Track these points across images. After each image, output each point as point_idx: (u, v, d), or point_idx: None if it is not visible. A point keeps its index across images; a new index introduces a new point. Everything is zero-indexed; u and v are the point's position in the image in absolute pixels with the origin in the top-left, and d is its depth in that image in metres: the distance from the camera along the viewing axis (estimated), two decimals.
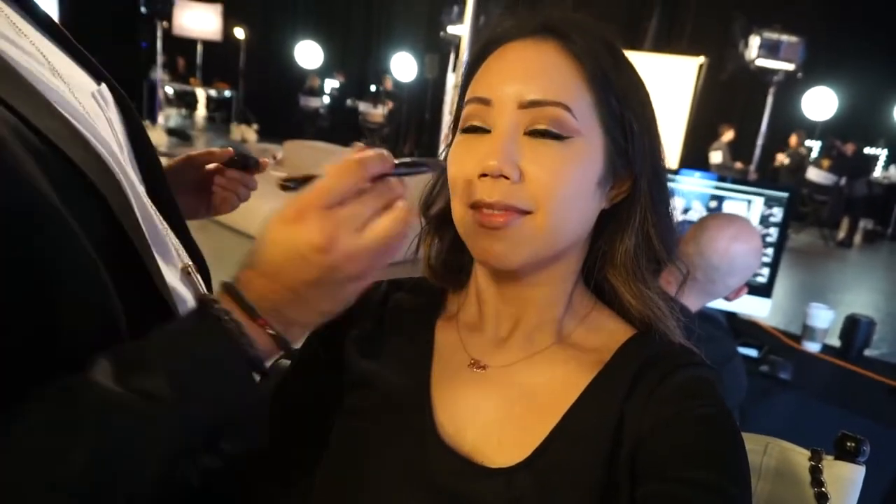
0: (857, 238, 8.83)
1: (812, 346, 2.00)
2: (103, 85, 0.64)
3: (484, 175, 0.55)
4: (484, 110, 0.57)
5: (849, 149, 8.75)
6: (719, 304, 1.72)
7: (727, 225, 1.39)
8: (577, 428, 0.56)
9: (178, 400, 0.43)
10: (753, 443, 0.65)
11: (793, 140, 8.78)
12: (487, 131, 0.57)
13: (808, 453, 0.62)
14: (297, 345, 0.52)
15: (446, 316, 0.68)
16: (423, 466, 0.57)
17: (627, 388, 0.57)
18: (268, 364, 0.50)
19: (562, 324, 0.63)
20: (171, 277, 0.59)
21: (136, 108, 0.70)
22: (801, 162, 8.72)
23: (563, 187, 0.55)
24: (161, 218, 0.62)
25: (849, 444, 0.60)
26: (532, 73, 0.56)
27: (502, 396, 0.60)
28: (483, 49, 0.60)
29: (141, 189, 0.61)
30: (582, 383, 0.59)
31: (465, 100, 0.59)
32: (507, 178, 0.54)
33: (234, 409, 0.47)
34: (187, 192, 0.85)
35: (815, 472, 0.59)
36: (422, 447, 0.58)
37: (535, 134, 0.55)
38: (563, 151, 0.55)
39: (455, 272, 0.69)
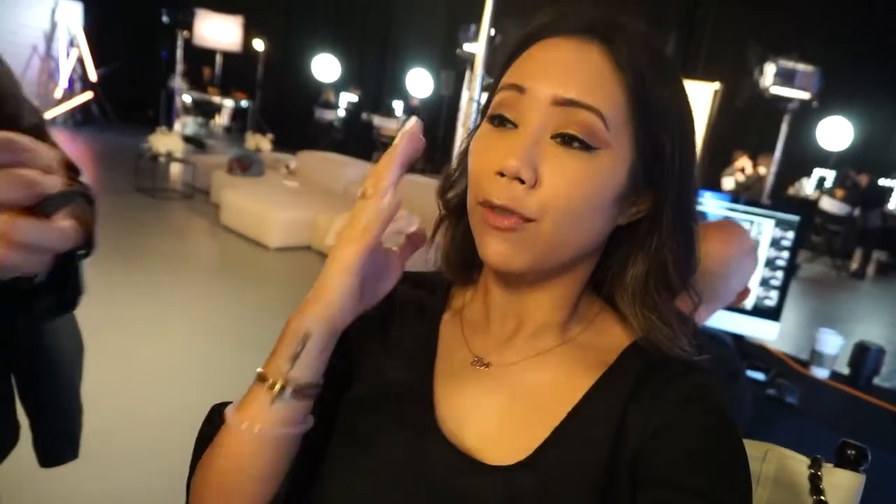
0: (870, 270, 8.74)
1: (820, 373, 1.97)
2: None
3: (501, 174, 0.53)
4: (517, 99, 0.55)
5: (863, 180, 8.70)
6: (725, 322, 1.70)
7: (715, 230, 1.38)
8: (579, 429, 0.56)
9: None
10: (753, 449, 0.64)
11: (742, 160, 8.83)
12: (514, 126, 0.55)
13: (807, 461, 0.61)
14: None
15: (451, 311, 0.68)
16: (423, 460, 0.57)
17: (631, 391, 0.56)
18: None
19: (567, 326, 0.62)
20: None
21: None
22: (759, 183, 8.55)
23: (576, 203, 0.53)
24: None
25: (850, 451, 0.59)
26: (572, 72, 0.54)
27: (504, 395, 0.60)
28: (525, 39, 0.58)
29: None
30: (585, 384, 0.58)
31: (499, 86, 0.57)
32: (522, 181, 0.52)
33: None
34: None
35: (815, 480, 0.57)
36: (422, 441, 0.58)
37: (562, 139, 0.53)
38: (587, 165, 0.53)
39: (468, 267, 0.68)
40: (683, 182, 0.57)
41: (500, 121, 0.56)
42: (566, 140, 0.53)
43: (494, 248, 0.55)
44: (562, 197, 0.53)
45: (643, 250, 0.58)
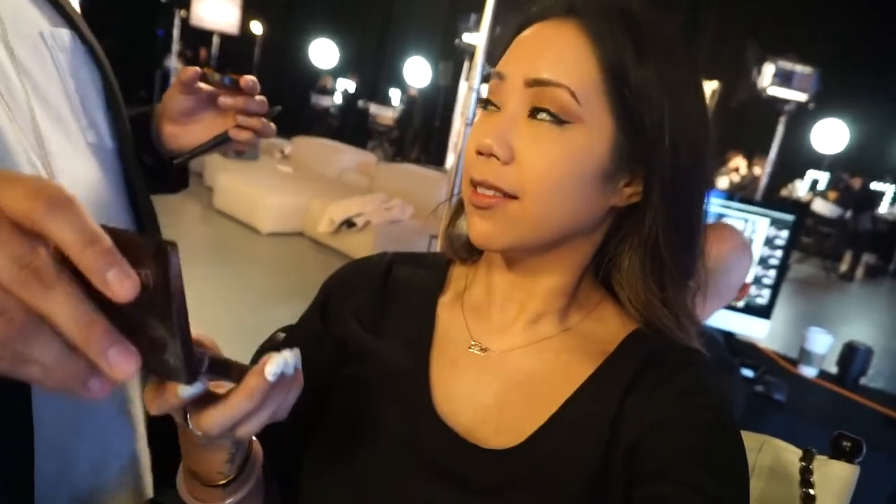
0: (860, 272, 8.81)
1: (808, 371, 1.99)
2: (65, 30, 0.65)
3: (480, 153, 0.55)
4: (499, 86, 0.57)
5: (856, 183, 8.76)
6: (716, 319, 1.71)
7: (709, 231, 1.41)
8: (575, 417, 0.56)
9: None
10: (749, 441, 0.64)
11: (736, 160, 8.89)
12: (498, 109, 0.57)
13: (800, 452, 0.61)
14: None
15: (450, 294, 0.68)
16: (419, 441, 0.57)
17: (629, 382, 0.56)
18: None
19: (566, 313, 0.62)
20: None
21: (147, 94, 0.72)
22: (753, 184, 8.54)
23: (553, 176, 0.53)
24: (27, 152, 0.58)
25: (844, 443, 0.59)
26: (543, 52, 0.55)
27: (502, 381, 0.60)
28: (516, 28, 0.60)
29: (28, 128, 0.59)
30: (584, 373, 0.58)
31: (490, 75, 0.59)
32: (498, 157, 0.54)
33: None
34: (173, 121, 0.82)
35: (805, 473, 0.58)
36: (418, 422, 0.58)
37: (534, 115, 0.54)
38: (559, 138, 0.53)
39: (470, 249, 0.68)
40: (677, 161, 0.55)
41: (486, 105, 0.58)
42: (538, 113, 0.54)
43: (478, 228, 0.56)
44: (539, 172, 0.53)
45: (639, 233, 0.58)
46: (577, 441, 0.55)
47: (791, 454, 0.62)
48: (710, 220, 1.90)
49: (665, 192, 0.56)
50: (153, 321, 0.34)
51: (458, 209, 0.68)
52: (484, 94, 0.60)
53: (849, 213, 8.65)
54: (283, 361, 0.40)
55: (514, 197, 0.54)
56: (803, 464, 0.59)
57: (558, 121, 0.53)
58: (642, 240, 0.57)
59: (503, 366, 0.61)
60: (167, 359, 0.36)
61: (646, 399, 0.55)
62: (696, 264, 0.59)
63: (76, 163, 0.63)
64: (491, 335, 0.63)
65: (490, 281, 0.64)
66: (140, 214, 0.70)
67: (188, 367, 0.36)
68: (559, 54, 0.54)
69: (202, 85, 0.79)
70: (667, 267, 0.57)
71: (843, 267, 8.63)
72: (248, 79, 0.77)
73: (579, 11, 0.55)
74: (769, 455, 0.62)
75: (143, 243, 0.32)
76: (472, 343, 0.63)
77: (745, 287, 1.45)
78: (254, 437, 0.57)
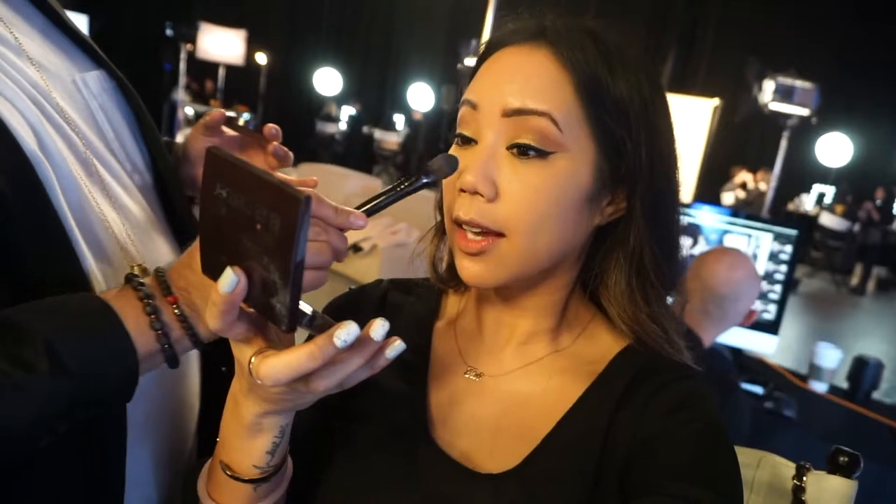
0: (870, 285, 8.73)
1: (819, 386, 1.97)
2: (94, 72, 0.66)
3: (463, 191, 0.55)
4: (472, 115, 0.56)
5: (878, 195, 8.77)
6: (723, 336, 1.71)
7: (722, 256, 1.49)
8: (568, 438, 0.56)
9: (50, 372, 0.44)
10: (747, 457, 0.64)
11: (742, 175, 8.87)
12: (475, 142, 0.56)
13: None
14: (202, 337, 0.53)
15: (444, 320, 0.69)
16: (416, 468, 0.58)
17: (619, 399, 0.57)
18: (179, 349, 0.51)
19: (558, 333, 0.63)
20: (99, 275, 0.58)
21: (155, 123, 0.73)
22: (759, 199, 8.47)
23: (539, 209, 0.53)
24: (105, 218, 0.60)
25: (842, 458, 0.59)
26: (518, 80, 0.54)
27: (496, 405, 0.60)
28: (483, 53, 0.59)
29: (93, 178, 0.60)
30: (575, 394, 0.59)
31: (460, 102, 0.58)
32: (482, 195, 0.53)
33: (104, 388, 0.48)
34: (193, 164, 0.79)
35: (797, 491, 0.57)
36: (415, 450, 0.59)
37: (516, 149, 0.54)
38: (544, 171, 0.53)
39: (457, 276, 0.68)
40: (655, 176, 0.56)
41: (461, 139, 0.57)
42: (521, 150, 0.53)
43: (469, 270, 0.56)
44: (524, 207, 0.53)
45: (623, 250, 0.58)
46: (570, 461, 0.55)
47: (789, 469, 0.62)
48: (716, 238, 1.92)
49: (647, 208, 0.57)
50: (271, 266, 0.37)
51: (440, 236, 0.68)
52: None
53: (857, 226, 8.60)
54: (354, 330, 0.40)
55: (500, 234, 0.54)
56: (795, 481, 0.59)
57: (542, 153, 0.53)
58: (627, 256, 0.58)
59: (497, 391, 0.61)
60: (274, 304, 0.38)
61: (637, 414, 0.55)
62: (679, 276, 0.60)
63: (132, 206, 0.64)
64: (484, 360, 0.63)
65: (480, 306, 0.65)
66: (185, 247, 0.72)
67: (291, 316, 0.38)
68: (536, 81, 0.54)
69: (226, 129, 0.78)
70: (651, 281, 0.58)
71: (854, 281, 8.55)
72: (271, 127, 0.76)
73: (549, 36, 0.55)
74: (767, 471, 0.62)
75: (281, 189, 0.34)
76: (468, 368, 0.63)
77: (751, 313, 1.51)
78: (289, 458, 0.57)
